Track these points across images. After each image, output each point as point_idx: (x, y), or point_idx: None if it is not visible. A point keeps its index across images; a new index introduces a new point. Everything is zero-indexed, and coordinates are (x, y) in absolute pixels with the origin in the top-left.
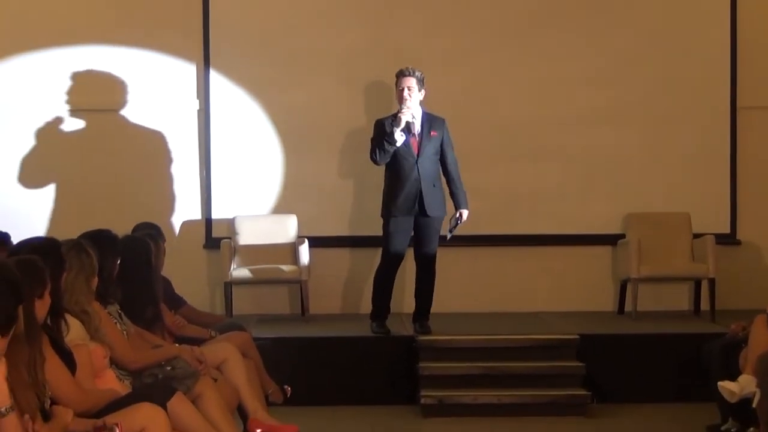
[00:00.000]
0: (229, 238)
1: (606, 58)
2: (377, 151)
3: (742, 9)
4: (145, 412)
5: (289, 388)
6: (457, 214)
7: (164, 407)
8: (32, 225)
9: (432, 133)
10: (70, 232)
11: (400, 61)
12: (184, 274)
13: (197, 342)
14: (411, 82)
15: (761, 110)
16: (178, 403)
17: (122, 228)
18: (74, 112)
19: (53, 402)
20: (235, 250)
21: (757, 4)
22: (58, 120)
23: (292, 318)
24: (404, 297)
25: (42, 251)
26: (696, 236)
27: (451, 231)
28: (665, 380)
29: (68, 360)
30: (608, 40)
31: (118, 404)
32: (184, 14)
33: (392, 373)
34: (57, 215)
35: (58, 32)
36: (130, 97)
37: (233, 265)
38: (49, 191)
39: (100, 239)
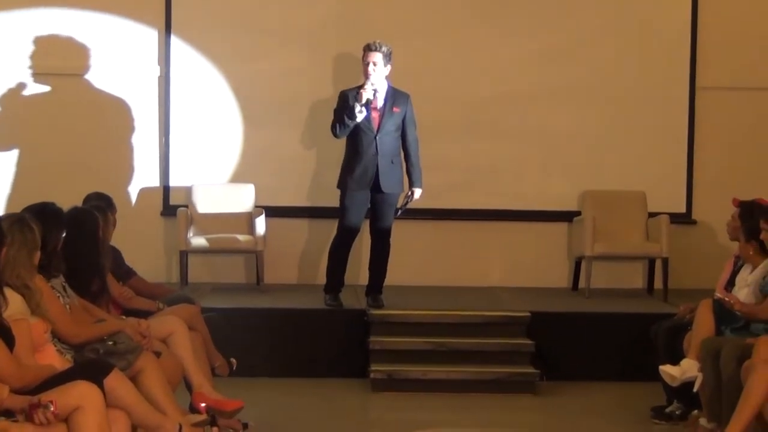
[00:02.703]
0: (186, 206)
1: (566, 36)
2: (337, 124)
3: None
4: (81, 390)
5: (235, 361)
6: (409, 192)
7: (100, 384)
8: None
9: (394, 109)
10: (30, 198)
11: (365, 34)
12: (140, 241)
13: (145, 314)
14: (376, 57)
15: (720, 91)
16: (114, 380)
17: (80, 193)
18: (33, 76)
19: None
20: (192, 218)
21: None
22: (17, 84)
23: (247, 288)
24: (360, 269)
25: None
26: (651, 215)
27: (401, 208)
28: (614, 359)
29: (6, 335)
30: (569, 18)
31: (55, 381)
32: None
33: (343, 347)
34: (15, 180)
35: None
36: (90, 61)
37: (190, 234)
38: (7, 157)
39: (44, 213)
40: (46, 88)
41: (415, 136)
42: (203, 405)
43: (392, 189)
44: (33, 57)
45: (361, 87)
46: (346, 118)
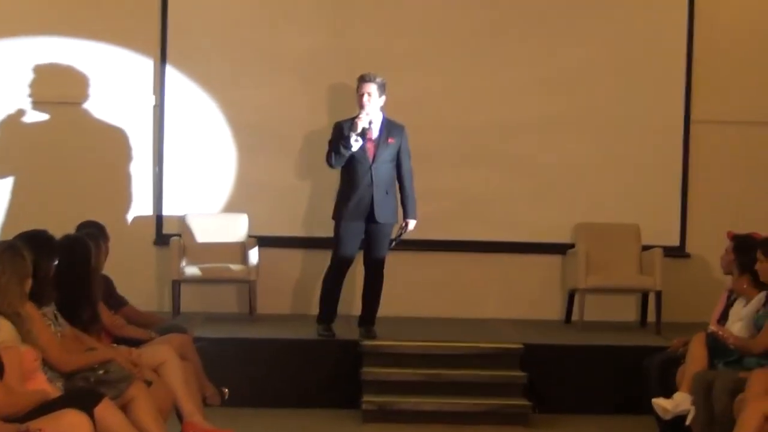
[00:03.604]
0: (179, 235)
1: (561, 68)
2: (332, 154)
3: (698, 23)
4: (70, 419)
5: (227, 391)
6: (404, 223)
7: (90, 413)
8: None
9: (389, 140)
10: (23, 225)
11: (359, 64)
12: (133, 270)
13: (137, 343)
14: (371, 87)
15: (714, 124)
16: (104, 409)
17: (73, 221)
18: (29, 104)
19: None
20: (185, 247)
21: (713, 19)
22: (12, 112)
23: (240, 317)
24: (354, 299)
25: None
26: (645, 248)
27: (395, 239)
28: (607, 392)
29: None
30: (565, 49)
31: (45, 409)
32: (142, 8)
33: (335, 377)
34: (9, 207)
35: (13, 23)
36: (86, 90)
37: (183, 263)
38: (1, 184)
39: (36, 240)
40: (40, 117)
41: (409, 167)
42: None
43: (387, 219)
44: (27, 85)
45: (356, 117)
46: (341, 148)
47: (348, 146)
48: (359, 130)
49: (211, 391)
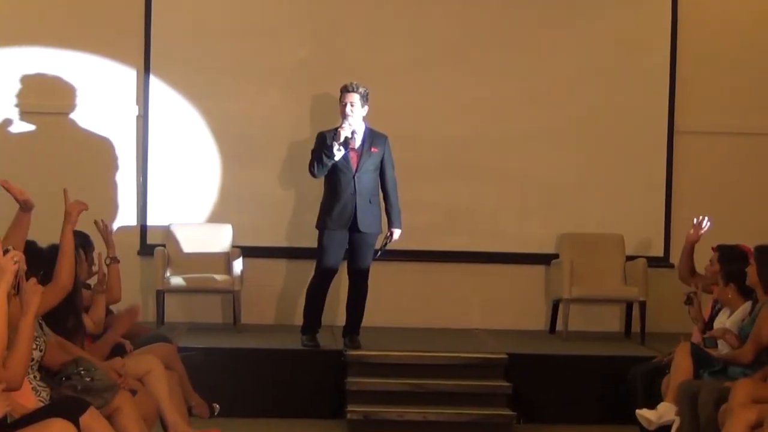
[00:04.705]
0: (164, 245)
1: (546, 79)
2: (315, 163)
3: (682, 34)
4: (56, 428)
5: (217, 406)
6: (389, 233)
7: (76, 422)
8: None
9: (372, 149)
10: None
11: (343, 74)
12: None
13: (121, 352)
14: (354, 98)
15: (698, 135)
16: (90, 418)
17: (58, 232)
18: (14, 115)
19: None
20: (169, 257)
21: (697, 31)
22: None
23: (224, 328)
24: (338, 309)
25: None
26: (629, 258)
27: (381, 249)
28: (591, 402)
29: None
30: (548, 62)
31: (31, 418)
32: (125, 18)
33: (320, 387)
34: None
35: None
36: (69, 101)
37: (167, 273)
38: None
39: (24, 250)
40: (25, 127)
41: (393, 176)
42: None
43: (370, 228)
44: (12, 95)
45: (339, 127)
46: (324, 157)
47: (331, 155)
48: (342, 139)
49: (197, 401)
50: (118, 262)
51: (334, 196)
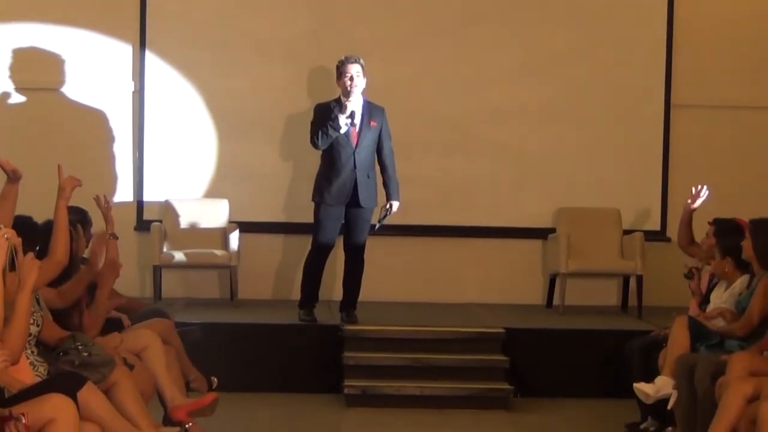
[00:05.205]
0: (160, 221)
1: (542, 54)
2: (319, 134)
3: (678, 8)
4: (54, 403)
5: (215, 380)
6: (388, 205)
7: (74, 397)
8: None
9: (371, 123)
10: None
11: (339, 49)
12: None
13: (118, 327)
14: (357, 69)
15: (695, 108)
16: (88, 393)
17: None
18: (8, 90)
19: None
20: (166, 233)
21: (693, 4)
22: None
23: (221, 303)
24: (335, 284)
25: None
26: (626, 232)
27: (380, 221)
28: (589, 376)
29: None
30: (546, 36)
31: (28, 393)
32: None
33: (317, 362)
34: None
35: None
36: (65, 76)
37: (164, 248)
38: None
39: (20, 226)
40: (20, 102)
41: (390, 148)
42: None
43: (369, 203)
44: (6, 70)
45: (337, 100)
46: (329, 129)
47: (337, 128)
48: (348, 112)
49: (195, 375)
50: (117, 238)
51: (334, 172)
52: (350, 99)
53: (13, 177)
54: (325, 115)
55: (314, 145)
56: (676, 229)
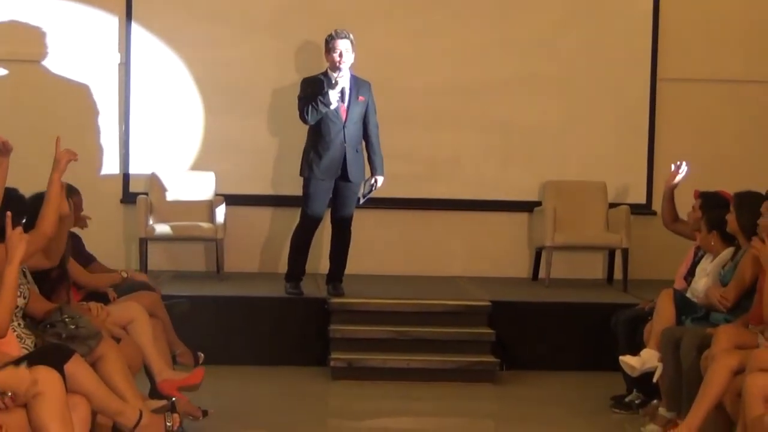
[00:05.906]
0: (146, 193)
1: (528, 27)
2: (309, 109)
3: None
4: (41, 376)
5: (202, 355)
6: (372, 180)
7: (61, 370)
8: None
9: (359, 98)
10: None
11: (326, 22)
12: (100, 228)
13: (105, 299)
14: (346, 44)
15: (681, 82)
16: (75, 365)
17: (41, 181)
18: None
19: None
20: (152, 206)
21: None
22: None
23: (207, 276)
24: (321, 257)
25: None
26: (612, 206)
27: (364, 196)
28: (575, 349)
29: None
30: (530, 9)
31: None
32: None
33: (304, 335)
34: None
35: None
36: (50, 48)
37: (150, 221)
38: None
39: (6, 199)
40: (4, 75)
41: (376, 123)
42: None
43: (357, 178)
44: None
45: (324, 74)
46: (320, 104)
47: (327, 103)
48: (339, 87)
49: (182, 350)
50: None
51: (323, 146)
52: (341, 75)
53: (4, 149)
54: (312, 89)
55: (303, 120)
56: (661, 203)
